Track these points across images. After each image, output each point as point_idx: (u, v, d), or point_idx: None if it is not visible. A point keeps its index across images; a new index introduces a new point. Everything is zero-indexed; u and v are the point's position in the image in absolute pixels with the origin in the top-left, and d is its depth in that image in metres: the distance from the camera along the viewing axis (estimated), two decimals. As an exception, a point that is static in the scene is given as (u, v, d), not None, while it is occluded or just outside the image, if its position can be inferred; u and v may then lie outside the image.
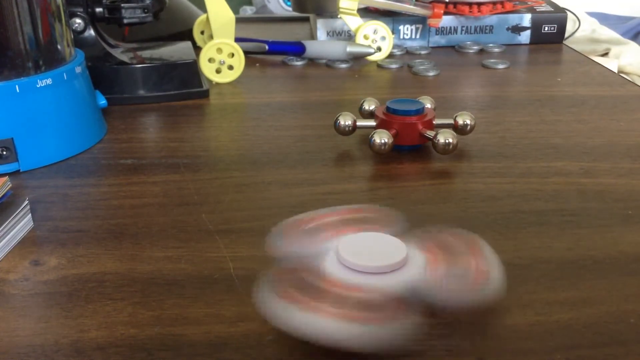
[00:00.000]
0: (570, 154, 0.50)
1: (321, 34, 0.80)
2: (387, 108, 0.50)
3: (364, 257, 0.32)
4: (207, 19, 0.74)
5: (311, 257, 0.33)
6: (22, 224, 0.39)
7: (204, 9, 0.71)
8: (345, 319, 0.28)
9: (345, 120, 0.51)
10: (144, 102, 0.62)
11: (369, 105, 0.53)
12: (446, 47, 0.80)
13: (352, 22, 0.75)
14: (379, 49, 0.75)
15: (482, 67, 0.72)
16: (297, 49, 0.75)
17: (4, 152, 0.47)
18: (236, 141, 0.53)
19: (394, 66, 0.72)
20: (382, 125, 0.50)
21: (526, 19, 0.80)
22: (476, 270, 0.31)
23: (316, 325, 0.28)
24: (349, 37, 0.80)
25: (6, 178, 0.40)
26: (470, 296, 0.30)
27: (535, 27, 0.80)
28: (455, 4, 0.79)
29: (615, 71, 1.00)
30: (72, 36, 0.53)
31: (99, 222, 0.41)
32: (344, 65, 0.73)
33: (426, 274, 0.31)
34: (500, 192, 0.44)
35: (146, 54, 0.65)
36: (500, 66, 0.72)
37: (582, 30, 1.37)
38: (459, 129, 0.51)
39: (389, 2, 0.76)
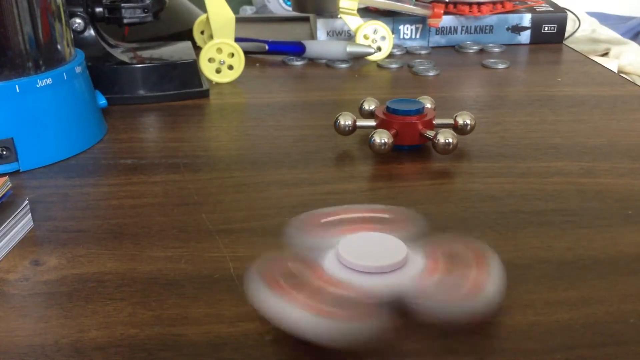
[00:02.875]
0: (570, 154, 0.50)
1: (321, 34, 0.80)
2: (387, 108, 0.50)
3: (362, 256, 0.32)
4: (207, 19, 0.74)
5: (315, 249, 0.33)
6: (22, 224, 0.39)
7: (204, 9, 0.71)
8: (316, 313, 0.29)
9: (345, 120, 0.51)
10: (144, 102, 0.62)
11: (369, 105, 0.53)
12: (446, 47, 0.80)
13: (352, 22, 0.75)
14: (379, 49, 0.75)
15: (482, 67, 0.72)
16: (297, 49, 0.75)
17: (4, 152, 0.47)
18: (236, 141, 0.53)
19: (394, 66, 0.72)
20: (382, 125, 0.50)
21: (526, 19, 0.80)
22: (472, 283, 0.30)
23: (290, 315, 0.29)
24: (349, 37, 0.80)
25: (6, 178, 0.40)
26: (456, 307, 0.30)
27: (535, 27, 0.80)
28: (455, 4, 0.79)
29: (615, 71, 1.00)
30: (72, 36, 0.53)
31: (99, 222, 0.41)
32: (344, 65, 0.73)
33: (416, 281, 0.31)
34: (500, 192, 0.44)
35: (146, 54, 0.65)
36: (500, 66, 0.72)
37: (582, 30, 1.37)
38: (459, 129, 0.51)
39: (389, 2, 0.76)
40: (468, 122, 0.51)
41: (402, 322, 0.30)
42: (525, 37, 0.81)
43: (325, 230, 0.35)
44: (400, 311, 0.30)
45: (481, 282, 0.30)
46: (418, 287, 0.30)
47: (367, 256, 0.32)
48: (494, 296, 0.30)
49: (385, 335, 0.29)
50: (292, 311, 0.29)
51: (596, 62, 0.75)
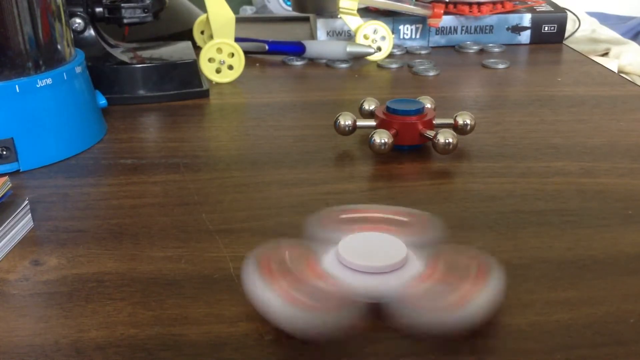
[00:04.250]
0: (570, 154, 0.50)
1: (321, 34, 0.80)
2: (387, 108, 0.50)
3: (359, 255, 0.32)
4: (207, 19, 0.74)
5: (323, 242, 0.34)
6: (22, 224, 0.39)
7: (204, 9, 0.71)
8: (291, 301, 0.29)
9: (345, 120, 0.51)
10: (144, 102, 0.62)
11: (369, 105, 0.53)
12: (446, 47, 0.80)
13: (352, 22, 0.75)
14: (379, 49, 0.75)
15: (482, 67, 0.72)
16: (297, 49, 0.75)
17: (4, 152, 0.47)
18: (236, 141, 0.53)
19: (394, 66, 0.72)
20: (382, 125, 0.50)
21: (526, 19, 0.80)
22: (460, 295, 0.30)
23: (267, 299, 0.30)
24: (349, 37, 0.80)
25: (6, 178, 0.40)
26: (434, 317, 0.29)
27: (535, 27, 0.80)
28: (455, 4, 0.79)
29: (615, 71, 1.00)
30: (72, 36, 0.53)
31: (99, 222, 0.41)
32: (344, 65, 0.73)
33: (405, 286, 0.31)
34: (500, 192, 0.44)
35: (146, 54, 0.65)
36: (500, 66, 0.72)
37: (582, 30, 1.37)
38: (459, 129, 0.51)
39: (389, 2, 0.76)
40: (468, 122, 0.51)
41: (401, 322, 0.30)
42: (525, 37, 0.81)
43: (342, 226, 0.36)
44: (378, 313, 0.31)
45: (470, 296, 0.30)
46: (403, 292, 0.30)
47: (364, 255, 0.32)
48: (478, 312, 0.30)
49: (354, 331, 0.30)
50: (270, 296, 0.30)
51: (596, 62, 0.75)
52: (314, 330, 0.29)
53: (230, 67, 0.67)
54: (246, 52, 0.72)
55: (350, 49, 0.73)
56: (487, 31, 0.80)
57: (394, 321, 0.30)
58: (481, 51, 0.78)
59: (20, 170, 0.48)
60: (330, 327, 0.29)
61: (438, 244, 0.34)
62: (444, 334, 0.29)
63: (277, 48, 0.76)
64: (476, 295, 0.30)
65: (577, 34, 1.01)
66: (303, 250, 0.34)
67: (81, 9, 0.62)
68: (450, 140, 0.47)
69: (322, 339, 0.29)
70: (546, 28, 0.81)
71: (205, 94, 0.63)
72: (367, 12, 0.81)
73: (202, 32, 0.78)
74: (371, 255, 0.32)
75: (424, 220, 0.37)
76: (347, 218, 0.37)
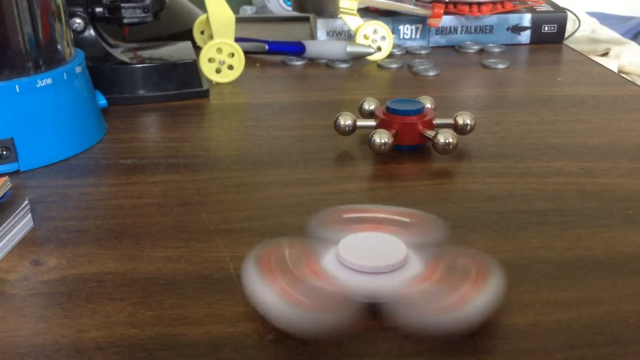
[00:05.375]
0: (570, 154, 0.50)
1: (321, 34, 0.80)
2: (387, 108, 0.50)
3: (357, 255, 0.32)
4: (207, 19, 0.74)
5: (326, 241, 0.34)
6: (22, 224, 0.39)
7: (204, 9, 0.71)
8: (287, 299, 0.30)
9: (345, 120, 0.51)
10: (144, 102, 0.62)
11: (369, 105, 0.53)
12: (446, 47, 0.80)
13: (352, 22, 0.75)
14: (379, 49, 0.75)
15: (482, 67, 0.72)
16: (297, 49, 0.75)
17: (4, 152, 0.47)
18: (236, 141, 0.53)
19: (394, 66, 0.72)
20: (382, 125, 0.50)
21: (526, 19, 0.80)
22: (457, 298, 0.30)
23: (263, 296, 0.30)
24: (349, 37, 0.80)
25: (6, 178, 0.40)
26: (429, 318, 0.29)
27: (535, 27, 0.80)
28: (455, 4, 0.79)
29: (615, 71, 1.00)
30: (72, 36, 0.53)
31: (99, 222, 0.41)
32: (344, 65, 0.73)
33: (402, 286, 0.31)
34: (500, 192, 0.44)
35: (146, 54, 0.65)
36: (500, 66, 0.72)
37: (582, 30, 1.37)
38: (459, 129, 0.51)
39: (389, 2, 0.76)
40: (468, 122, 0.51)
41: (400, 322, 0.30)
42: (525, 37, 0.81)
43: (345, 226, 0.36)
44: (376, 313, 0.31)
45: (468, 298, 0.30)
46: (401, 292, 0.30)
47: (364, 255, 0.32)
48: (477, 314, 0.30)
49: (352, 331, 0.30)
50: (268, 294, 0.30)
51: (596, 62, 0.75)
52: (310, 329, 0.29)
53: (230, 67, 0.67)
54: (246, 52, 0.72)
55: (350, 49, 0.73)
56: (487, 31, 0.80)
57: (391, 321, 0.30)
58: (481, 51, 0.78)
59: (20, 170, 0.48)
60: (327, 327, 0.29)
61: (439, 245, 0.34)
62: (441, 335, 0.29)
63: (277, 48, 0.76)
64: (475, 297, 0.30)
65: (577, 34, 1.01)
66: (303, 249, 0.34)
67: (81, 9, 0.62)
68: (450, 140, 0.47)
69: (319, 338, 0.29)
70: (546, 28, 0.81)
71: (205, 94, 0.63)
72: (367, 12, 0.81)
73: (202, 32, 0.78)
74: (371, 255, 0.32)
75: (427, 222, 0.37)
76: (350, 218, 0.37)
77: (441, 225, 0.37)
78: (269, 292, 0.30)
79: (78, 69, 0.52)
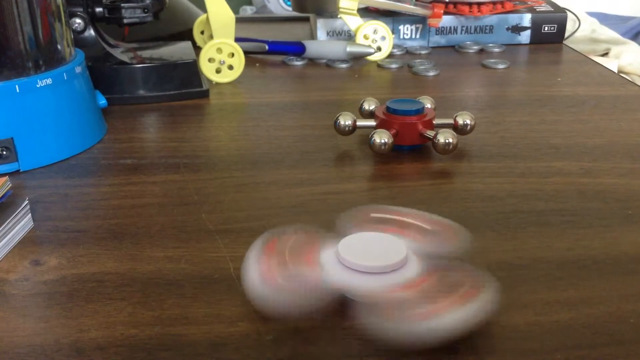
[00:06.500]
0: (570, 154, 0.50)
1: (321, 34, 0.80)
2: (387, 108, 0.50)
3: (356, 254, 0.32)
4: (207, 19, 0.74)
5: (339, 235, 0.34)
6: (22, 224, 0.39)
7: (204, 9, 0.71)
8: (268, 280, 0.31)
9: (345, 120, 0.51)
10: (144, 102, 0.62)
11: (369, 105, 0.53)
12: (446, 47, 0.80)
13: (352, 22, 0.75)
14: (379, 49, 0.75)
15: (482, 67, 0.72)
16: (297, 49, 0.75)
17: (4, 152, 0.47)
18: (236, 141, 0.53)
19: (394, 66, 0.72)
20: (382, 125, 0.50)
21: (526, 19, 0.80)
22: (435, 308, 0.29)
23: (249, 273, 0.31)
24: (349, 37, 0.80)
25: (6, 178, 0.40)
26: (401, 325, 0.29)
27: (535, 27, 0.80)
28: (455, 4, 0.79)
29: (615, 71, 1.00)
30: (72, 36, 0.53)
31: (99, 222, 0.41)
32: (344, 65, 0.73)
33: (385, 289, 0.31)
34: (500, 192, 0.44)
35: (146, 54, 0.65)
36: (500, 66, 0.72)
37: (582, 30, 1.37)
38: (459, 129, 0.51)
39: (389, 2, 0.76)
40: (468, 122, 0.51)
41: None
42: (525, 37, 0.81)
43: (367, 224, 0.36)
44: (346, 309, 0.31)
45: (441, 312, 0.29)
46: (378, 295, 0.30)
47: (359, 254, 0.32)
48: (445, 328, 0.29)
49: (316, 320, 0.31)
50: (252, 272, 0.31)
51: (596, 62, 0.75)
52: (279, 309, 0.30)
53: (230, 67, 0.67)
54: (246, 52, 0.72)
55: (350, 49, 0.73)
56: (487, 31, 0.80)
57: (357, 321, 0.30)
58: (481, 51, 0.78)
59: (20, 170, 0.48)
60: (294, 310, 0.30)
61: (448, 258, 0.34)
62: (402, 343, 0.29)
63: (277, 48, 0.76)
64: (451, 312, 0.29)
65: (577, 34, 1.01)
66: (311, 238, 0.34)
67: (81, 9, 0.62)
68: (450, 140, 0.47)
69: (284, 318, 0.31)
70: (546, 28, 0.81)
71: (205, 94, 0.63)
72: (367, 12, 0.81)
73: (202, 32, 0.78)
74: (367, 255, 0.32)
75: (449, 232, 0.37)
76: (377, 217, 0.37)
77: (463, 238, 0.36)
78: (254, 270, 0.31)
79: (78, 69, 0.52)
